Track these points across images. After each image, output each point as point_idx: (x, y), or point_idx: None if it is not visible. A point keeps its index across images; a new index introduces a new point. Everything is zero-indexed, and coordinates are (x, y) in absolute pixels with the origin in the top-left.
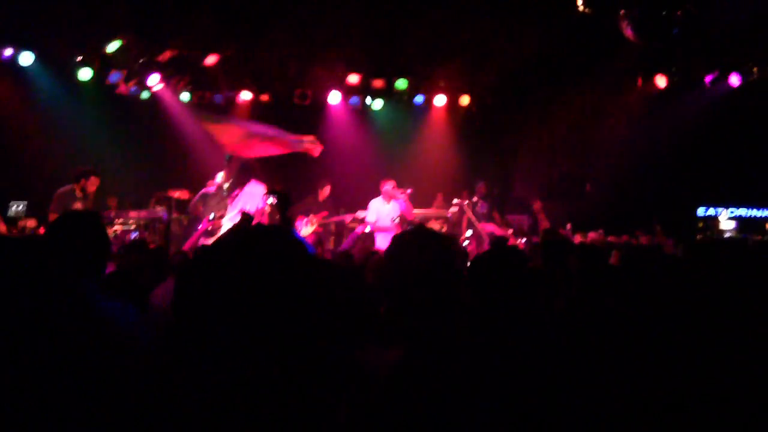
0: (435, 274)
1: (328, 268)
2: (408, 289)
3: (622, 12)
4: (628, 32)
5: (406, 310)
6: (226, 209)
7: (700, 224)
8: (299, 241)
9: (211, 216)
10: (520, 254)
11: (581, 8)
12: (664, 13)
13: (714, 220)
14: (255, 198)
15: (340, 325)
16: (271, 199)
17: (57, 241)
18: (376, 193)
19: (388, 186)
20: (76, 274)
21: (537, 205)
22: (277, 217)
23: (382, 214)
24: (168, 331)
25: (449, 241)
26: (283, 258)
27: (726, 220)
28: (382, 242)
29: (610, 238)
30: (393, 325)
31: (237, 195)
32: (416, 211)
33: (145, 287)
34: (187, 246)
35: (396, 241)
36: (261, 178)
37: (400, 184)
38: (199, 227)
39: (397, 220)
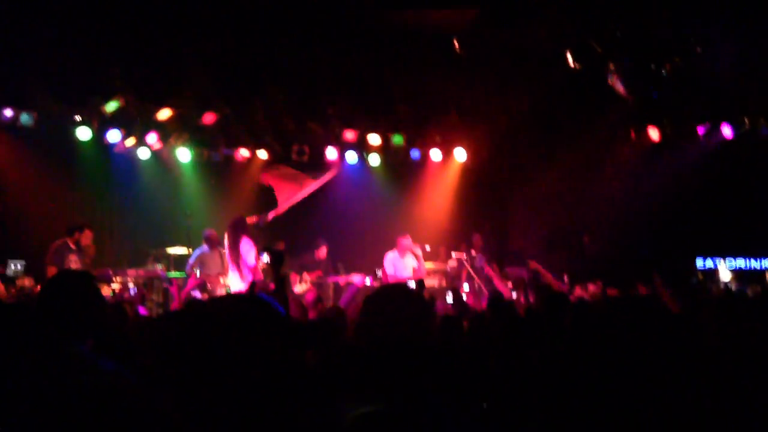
0: (407, 333)
1: (299, 332)
2: (381, 346)
3: (611, 67)
4: (619, 86)
5: (381, 368)
6: (224, 268)
7: (700, 275)
8: (267, 307)
9: (197, 272)
10: (515, 312)
11: (572, 64)
12: (652, 66)
13: (713, 271)
14: (249, 255)
15: (310, 386)
16: (265, 257)
17: (51, 303)
18: (377, 249)
19: (406, 241)
20: (70, 337)
21: (534, 264)
22: (271, 274)
23: (399, 267)
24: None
25: (422, 300)
26: (247, 325)
27: (725, 270)
28: None
29: (609, 291)
30: (370, 382)
31: (233, 253)
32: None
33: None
34: (175, 306)
35: (369, 298)
36: (251, 236)
37: (395, 239)
38: (187, 287)
39: (380, 274)
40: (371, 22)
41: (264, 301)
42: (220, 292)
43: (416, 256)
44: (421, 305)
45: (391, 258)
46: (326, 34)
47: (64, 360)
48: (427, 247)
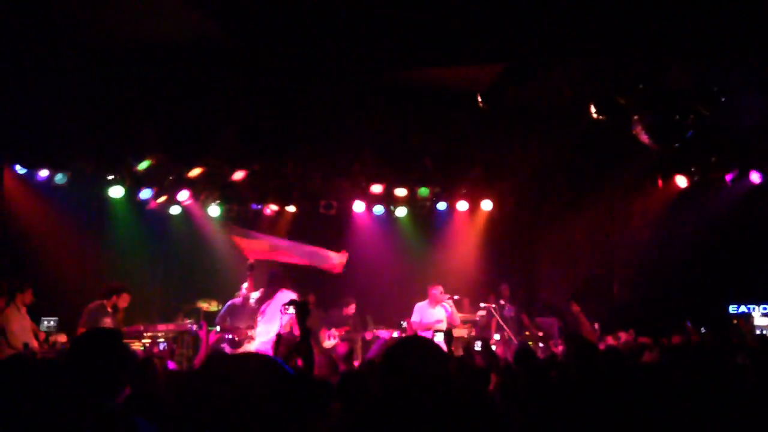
0: (427, 384)
1: (313, 390)
2: (402, 398)
3: (635, 118)
4: (644, 137)
5: (404, 420)
6: (253, 320)
7: (735, 321)
8: (275, 369)
9: (218, 329)
10: (542, 364)
11: (595, 115)
12: (676, 117)
13: (747, 316)
14: (273, 306)
15: None
16: (291, 309)
17: (81, 359)
18: (405, 300)
19: (437, 290)
20: (100, 392)
21: (575, 307)
22: (296, 327)
23: (426, 316)
24: None
25: (442, 354)
26: (254, 387)
27: (760, 316)
28: None
29: (642, 339)
30: None
31: (267, 305)
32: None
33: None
34: (197, 361)
35: (390, 350)
36: (291, 287)
37: (425, 289)
38: (209, 340)
39: (405, 325)
40: (397, 79)
41: (272, 363)
42: (248, 345)
43: (448, 306)
44: (440, 356)
45: (419, 307)
46: (353, 91)
47: (95, 415)
48: (456, 297)
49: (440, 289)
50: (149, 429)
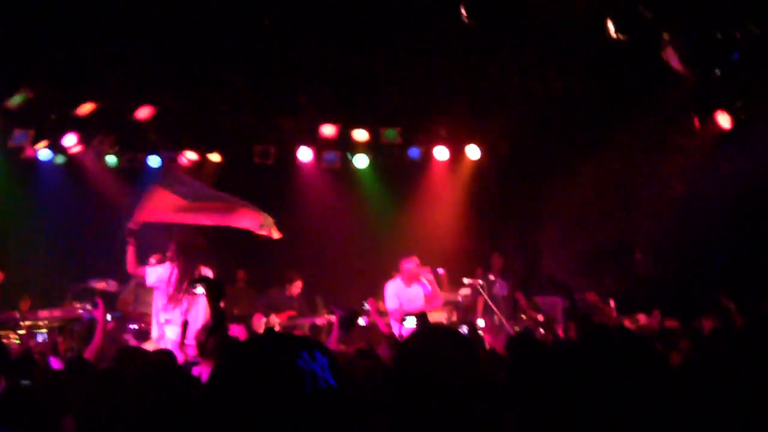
0: (455, 389)
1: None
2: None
3: (665, 37)
4: (675, 62)
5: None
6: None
7: None
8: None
9: (109, 317)
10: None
11: (614, 35)
12: (717, 35)
13: None
14: (172, 282)
15: None
16: (199, 289)
17: None
18: (366, 276)
19: (411, 264)
20: None
21: (592, 298)
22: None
23: (405, 299)
24: None
25: (472, 346)
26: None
27: None
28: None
29: (669, 323)
30: None
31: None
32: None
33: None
34: (89, 353)
35: (405, 348)
36: (210, 263)
37: (396, 261)
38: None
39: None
40: None
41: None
42: (154, 337)
43: (428, 282)
44: (470, 351)
45: (394, 289)
46: (295, 3)
47: None
48: (440, 270)
49: (416, 261)
50: None
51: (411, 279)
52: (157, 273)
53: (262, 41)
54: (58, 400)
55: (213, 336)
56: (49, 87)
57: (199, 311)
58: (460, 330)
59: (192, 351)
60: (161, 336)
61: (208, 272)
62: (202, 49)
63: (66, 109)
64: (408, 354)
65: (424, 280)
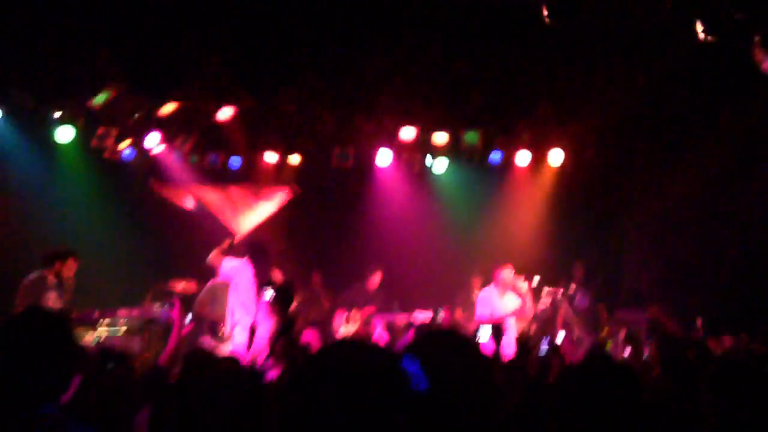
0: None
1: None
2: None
3: (756, 39)
4: (767, 64)
5: None
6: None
7: None
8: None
9: (188, 318)
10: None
11: (702, 36)
12: None
13: None
14: (244, 283)
15: None
16: (270, 293)
17: (9, 355)
18: (443, 283)
19: (506, 272)
20: (34, 400)
21: (653, 311)
22: (276, 317)
23: (498, 308)
24: None
25: (478, 353)
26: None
27: None
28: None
29: (755, 346)
30: None
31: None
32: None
33: (123, 413)
34: (163, 358)
35: (411, 348)
36: (284, 266)
37: (469, 270)
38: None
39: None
40: None
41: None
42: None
43: (520, 294)
44: (478, 359)
45: (486, 296)
46: (375, 4)
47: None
48: (536, 280)
49: (510, 270)
50: None
51: (505, 288)
52: (231, 265)
53: (342, 43)
54: (131, 398)
55: (281, 341)
56: (132, 87)
57: (268, 316)
58: (468, 335)
59: (262, 356)
60: (233, 338)
61: (277, 276)
62: (283, 51)
63: (149, 109)
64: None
65: (519, 288)
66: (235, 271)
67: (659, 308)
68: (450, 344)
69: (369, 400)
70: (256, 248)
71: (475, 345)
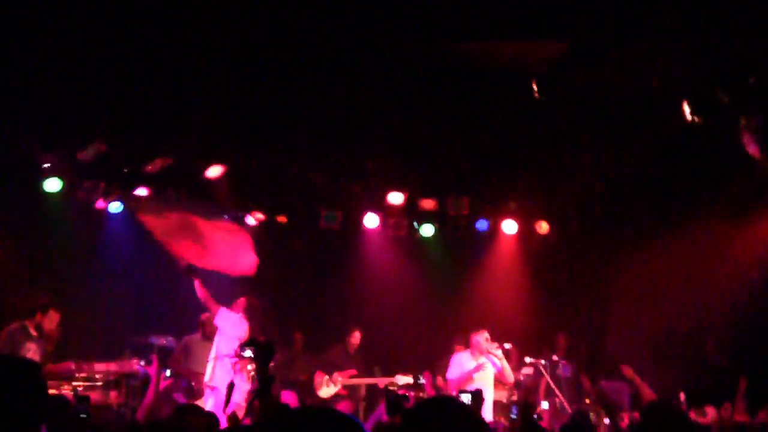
0: None
1: None
2: None
3: (742, 122)
4: (753, 148)
5: None
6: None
7: None
8: None
9: (167, 373)
10: None
11: (689, 117)
12: None
13: None
14: (230, 334)
15: None
16: (248, 352)
17: None
18: (426, 348)
19: (481, 337)
20: None
21: (627, 371)
22: (254, 374)
23: (470, 373)
24: None
25: (477, 419)
26: None
27: None
28: None
29: (739, 417)
30: None
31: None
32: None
33: None
34: (141, 412)
35: (412, 414)
36: (273, 325)
37: (456, 335)
38: (155, 385)
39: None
40: (428, 55)
41: None
42: (207, 397)
43: (497, 359)
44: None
45: (459, 359)
46: (369, 67)
47: None
48: (507, 346)
49: (485, 335)
50: None
51: (479, 352)
52: (229, 318)
53: (332, 105)
54: None
55: (259, 399)
56: (120, 141)
57: (246, 374)
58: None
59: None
60: (208, 394)
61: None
62: (273, 111)
63: (137, 165)
64: (412, 422)
65: (492, 356)
66: (228, 323)
67: (632, 371)
68: (450, 411)
69: None
70: (255, 306)
71: (473, 412)
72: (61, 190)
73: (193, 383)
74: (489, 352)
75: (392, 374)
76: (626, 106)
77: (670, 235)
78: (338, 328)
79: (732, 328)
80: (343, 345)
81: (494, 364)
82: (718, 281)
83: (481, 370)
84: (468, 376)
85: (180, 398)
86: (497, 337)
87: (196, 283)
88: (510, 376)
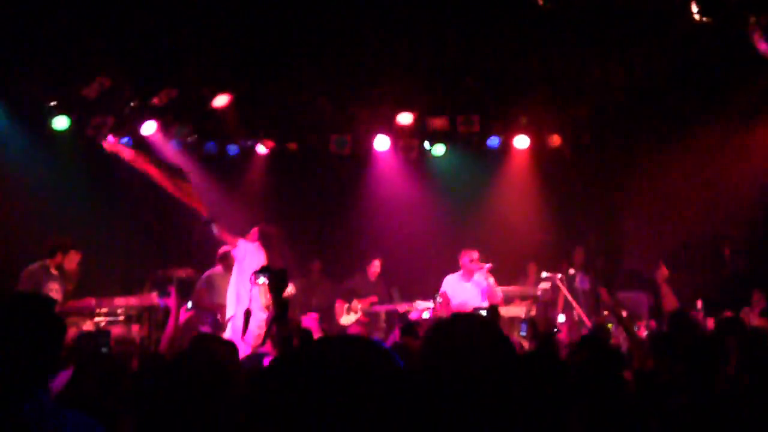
0: (482, 382)
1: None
2: (450, 396)
3: (752, 20)
4: (763, 46)
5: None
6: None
7: None
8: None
9: (189, 305)
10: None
11: (698, 17)
12: None
13: None
14: (248, 263)
15: None
16: (262, 279)
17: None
18: (444, 267)
19: (468, 258)
20: (22, 383)
21: (662, 274)
22: (269, 302)
23: (458, 295)
24: None
25: (499, 333)
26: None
27: None
28: None
29: (755, 320)
30: None
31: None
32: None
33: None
34: (163, 345)
35: (431, 334)
36: (288, 253)
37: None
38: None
39: (439, 300)
40: None
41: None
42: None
43: (483, 279)
44: (499, 340)
45: (449, 282)
46: None
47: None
48: (488, 265)
49: (473, 255)
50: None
51: (469, 274)
52: (247, 248)
53: (339, 30)
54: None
55: (276, 326)
56: (126, 75)
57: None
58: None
59: (258, 341)
60: (231, 324)
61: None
62: (279, 38)
63: (144, 98)
64: (432, 340)
65: (482, 276)
66: (246, 254)
67: (667, 275)
68: (473, 325)
69: (359, 398)
70: (269, 234)
71: (495, 324)
72: (69, 128)
73: (218, 316)
74: (477, 272)
75: (411, 298)
76: (634, 10)
77: (683, 142)
78: (356, 256)
79: (749, 233)
80: (363, 273)
81: (479, 284)
82: (734, 187)
83: (470, 288)
84: (459, 305)
85: (207, 330)
86: (513, 254)
87: (215, 228)
88: (497, 295)
